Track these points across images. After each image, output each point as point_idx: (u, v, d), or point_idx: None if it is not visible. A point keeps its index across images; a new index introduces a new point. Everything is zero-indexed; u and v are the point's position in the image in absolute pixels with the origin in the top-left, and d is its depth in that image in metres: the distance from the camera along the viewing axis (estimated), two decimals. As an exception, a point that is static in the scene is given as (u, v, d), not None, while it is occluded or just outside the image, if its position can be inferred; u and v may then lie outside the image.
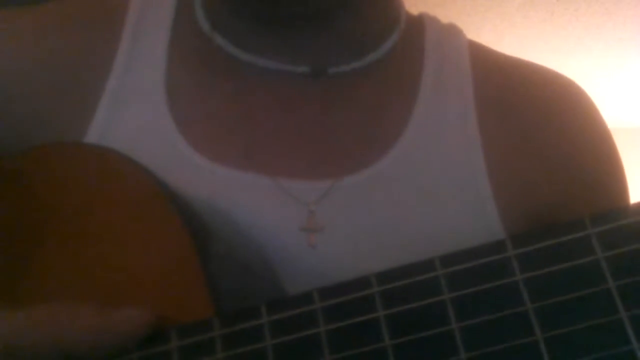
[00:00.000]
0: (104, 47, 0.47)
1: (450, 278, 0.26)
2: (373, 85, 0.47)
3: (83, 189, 0.37)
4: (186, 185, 0.39)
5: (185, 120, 0.45)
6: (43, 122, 0.45)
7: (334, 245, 0.43)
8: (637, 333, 0.24)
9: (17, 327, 0.30)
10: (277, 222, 0.43)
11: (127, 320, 0.31)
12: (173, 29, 0.48)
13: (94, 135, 0.44)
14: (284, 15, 0.45)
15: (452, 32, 0.51)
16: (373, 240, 0.43)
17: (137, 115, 0.45)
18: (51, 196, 0.37)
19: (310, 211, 0.43)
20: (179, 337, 0.31)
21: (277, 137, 0.46)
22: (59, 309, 0.31)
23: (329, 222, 0.43)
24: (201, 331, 0.30)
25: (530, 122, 0.48)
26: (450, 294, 0.26)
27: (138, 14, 0.48)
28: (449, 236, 0.43)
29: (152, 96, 0.46)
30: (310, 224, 0.43)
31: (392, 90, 0.48)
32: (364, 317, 0.27)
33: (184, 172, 0.43)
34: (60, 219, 0.36)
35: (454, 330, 0.25)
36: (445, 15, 0.60)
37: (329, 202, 0.44)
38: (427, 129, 0.46)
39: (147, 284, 0.34)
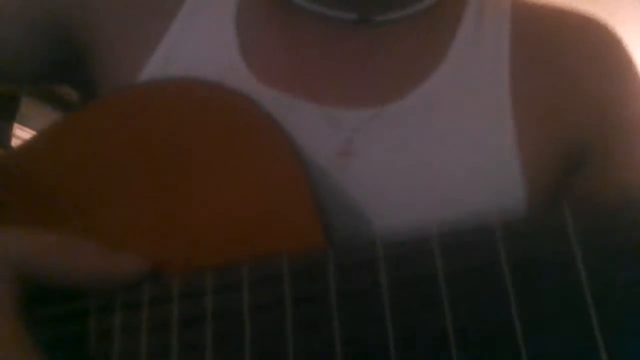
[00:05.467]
0: None
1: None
2: (417, 31, 0.51)
3: (177, 123, 0.37)
4: None
5: (247, 44, 0.50)
6: (113, 39, 0.50)
7: (364, 170, 0.45)
8: None
9: (26, 250, 0.33)
10: (315, 146, 0.44)
11: (125, 264, 0.34)
12: None
13: (162, 50, 0.48)
14: None
15: None
16: (403, 170, 0.46)
17: (206, 31, 0.49)
18: (147, 134, 0.37)
19: (348, 138, 0.46)
20: (289, 262, 0.31)
21: (323, 70, 0.49)
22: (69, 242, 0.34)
23: (363, 150, 0.46)
24: (313, 260, 0.31)
25: (561, 64, 0.52)
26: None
27: None
28: (467, 169, 0.47)
29: (223, 15, 0.50)
30: (346, 148, 0.46)
31: (434, 32, 0.51)
32: (484, 261, 0.28)
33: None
34: (159, 155, 0.37)
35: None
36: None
37: (367, 131, 0.47)
38: (461, 65, 0.50)
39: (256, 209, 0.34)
